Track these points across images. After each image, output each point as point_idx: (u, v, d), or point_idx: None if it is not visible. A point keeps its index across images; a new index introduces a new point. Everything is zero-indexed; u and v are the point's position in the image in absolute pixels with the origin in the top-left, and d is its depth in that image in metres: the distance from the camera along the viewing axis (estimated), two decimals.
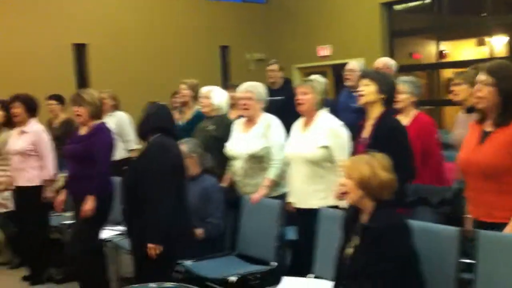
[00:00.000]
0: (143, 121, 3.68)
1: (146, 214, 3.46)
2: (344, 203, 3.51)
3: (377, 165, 2.70)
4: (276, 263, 3.91)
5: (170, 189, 3.48)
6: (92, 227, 4.24)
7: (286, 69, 6.93)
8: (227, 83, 7.79)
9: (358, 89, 3.55)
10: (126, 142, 6.57)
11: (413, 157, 3.45)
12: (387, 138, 3.28)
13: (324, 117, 3.90)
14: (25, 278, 5.23)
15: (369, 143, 3.36)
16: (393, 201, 2.76)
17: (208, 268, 3.90)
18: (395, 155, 2.83)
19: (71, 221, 4.77)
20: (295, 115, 5.77)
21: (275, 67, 6.54)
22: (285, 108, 5.31)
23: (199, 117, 5.75)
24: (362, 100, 3.51)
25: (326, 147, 3.76)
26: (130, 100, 7.16)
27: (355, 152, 3.46)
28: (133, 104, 7.13)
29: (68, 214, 5.20)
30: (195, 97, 5.91)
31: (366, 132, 3.50)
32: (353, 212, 2.85)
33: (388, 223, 2.64)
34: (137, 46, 10.38)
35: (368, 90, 3.46)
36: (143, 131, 3.68)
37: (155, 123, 3.62)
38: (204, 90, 5.08)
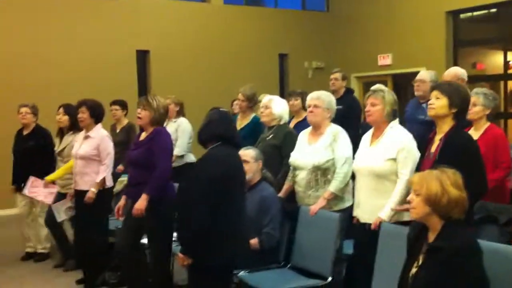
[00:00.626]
0: (204, 127, 3.57)
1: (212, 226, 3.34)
2: (405, 218, 3.38)
3: (447, 182, 2.55)
4: (331, 278, 3.79)
5: (208, 200, 3.29)
6: (157, 233, 4.25)
7: (347, 78, 6.79)
8: (288, 91, 7.72)
9: (428, 101, 3.39)
10: (176, 147, 6.59)
11: (484, 173, 3.26)
12: (455, 154, 3.11)
13: (395, 128, 3.75)
14: (79, 282, 5.28)
15: (436, 159, 3.19)
16: (461, 219, 2.60)
17: (262, 279, 3.83)
18: (464, 171, 2.67)
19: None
20: (354, 126, 5.66)
21: (338, 75, 6.42)
22: (345, 118, 5.19)
23: (255, 123, 5.73)
24: (431, 113, 3.35)
25: (393, 159, 3.62)
26: (190, 107, 7.19)
27: (421, 167, 3.29)
28: (193, 111, 7.19)
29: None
30: (252, 107, 5.89)
31: (434, 147, 3.33)
32: (419, 229, 2.70)
33: (459, 243, 2.47)
34: (198, 54, 10.49)
35: (438, 104, 3.30)
36: (203, 138, 3.55)
37: (216, 130, 3.50)
38: (264, 99, 5.03)
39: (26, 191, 5.70)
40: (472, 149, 3.26)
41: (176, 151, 6.58)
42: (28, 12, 9.00)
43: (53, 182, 5.59)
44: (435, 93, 3.35)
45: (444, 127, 3.32)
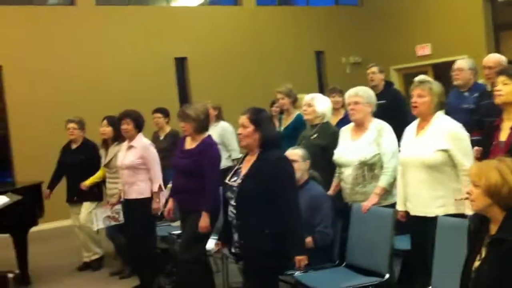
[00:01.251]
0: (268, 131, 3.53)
1: (276, 226, 3.34)
2: (467, 211, 3.31)
3: (506, 171, 2.48)
4: (388, 275, 3.75)
5: (296, 199, 3.41)
6: (200, 239, 4.29)
7: (384, 71, 6.73)
8: (328, 88, 7.71)
9: (495, 88, 3.30)
10: (230, 151, 6.67)
11: None
12: None
13: (442, 119, 3.68)
14: None
15: (510, 148, 3.09)
16: None
17: (319, 279, 3.81)
18: None
19: (179, 232, 4.86)
20: (398, 119, 5.58)
21: (375, 69, 6.36)
22: (388, 112, 5.13)
23: (299, 121, 5.73)
24: (500, 100, 3.26)
25: (445, 150, 3.53)
26: (229, 110, 7.25)
27: (490, 156, 3.20)
28: (233, 114, 7.22)
29: (176, 224, 5.33)
30: (293, 102, 5.91)
31: (505, 135, 3.23)
32: (480, 221, 2.65)
33: None
34: (234, 57, 10.56)
35: (507, 89, 3.21)
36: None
37: (273, 134, 3.55)
38: (307, 98, 5.02)
39: (101, 224, 5.72)
40: None
41: (234, 155, 6.68)
42: (69, 25, 9.26)
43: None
44: (502, 78, 3.24)
45: None
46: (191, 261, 4.27)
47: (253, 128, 3.41)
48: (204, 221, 4.22)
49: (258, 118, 3.44)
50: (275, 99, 7.55)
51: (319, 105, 4.88)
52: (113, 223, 5.60)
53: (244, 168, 3.49)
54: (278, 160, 3.41)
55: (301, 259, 3.39)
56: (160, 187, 5.17)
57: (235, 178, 3.49)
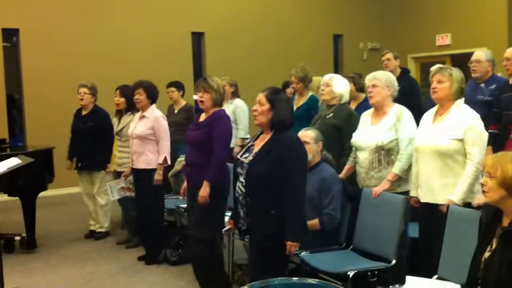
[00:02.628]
0: (279, 111, 3.43)
1: (282, 208, 3.28)
2: (478, 201, 3.29)
3: None
4: (395, 261, 3.74)
5: (303, 184, 3.35)
6: (212, 215, 4.22)
7: (401, 59, 6.65)
8: (341, 75, 7.67)
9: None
10: (238, 130, 6.65)
11: None
12: None
13: (461, 108, 3.64)
14: (140, 258, 5.43)
15: None
16: None
17: (324, 261, 3.80)
18: None
19: (187, 205, 4.86)
20: (414, 106, 5.54)
21: (390, 55, 6.33)
22: (404, 99, 5.09)
23: (312, 102, 5.71)
24: None
25: (460, 140, 3.51)
26: (244, 89, 7.22)
27: (505, 149, 3.16)
28: (248, 92, 7.19)
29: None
30: (307, 83, 5.89)
31: None
32: (492, 213, 2.62)
33: None
34: (251, 35, 10.48)
35: None
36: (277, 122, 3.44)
37: (288, 115, 3.44)
38: (325, 78, 4.98)
39: (116, 195, 5.72)
40: None
41: (241, 134, 6.67)
42: None
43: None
44: None
45: None
46: (209, 241, 4.18)
47: (269, 107, 3.37)
48: (203, 190, 4.11)
49: (276, 98, 3.39)
50: (288, 81, 7.54)
51: (337, 85, 4.84)
52: (128, 193, 5.62)
53: (257, 146, 3.46)
54: (291, 142, 3.36)
55: (293, 245, 3.26)
56: (165, 160, 5.17)
57: (247, 155, 3.46)
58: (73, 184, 7.30)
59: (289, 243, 3.26)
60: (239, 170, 3.46)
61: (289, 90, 7.25)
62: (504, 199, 2.52)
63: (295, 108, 5.89)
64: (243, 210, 3.44)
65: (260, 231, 3.36)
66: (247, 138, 6.56)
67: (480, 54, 5.38)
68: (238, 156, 3.54)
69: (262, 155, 3.34)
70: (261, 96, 3.41)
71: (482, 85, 5.30)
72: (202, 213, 4.19)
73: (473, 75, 5.39)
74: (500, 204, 2.56)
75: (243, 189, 3.39)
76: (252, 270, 3.51)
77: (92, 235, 6.30)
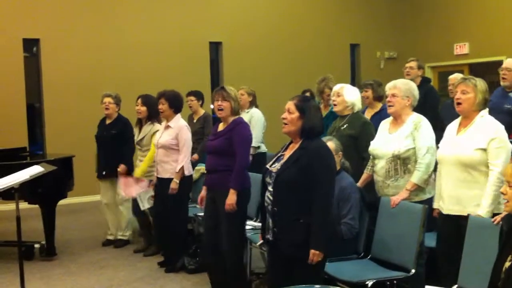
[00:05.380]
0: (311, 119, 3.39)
1: (309, 217, 3.23)
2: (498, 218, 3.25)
3: None
4: (414, 270, 3.72)
5: (331, 194, 3.31)
6: (234, 222, 4.26)
7: (423, 68, 6.61)
8: (359, 83, 7.66)
9: None
10: None
11: None
12: None
13: (485, 119, 3.62)
14: (160, 265, 5.46)
15: None
16: None
17: (343, 270, 3.80)
18: None
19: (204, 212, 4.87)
20: (432, 116, 5.52)
21: (413, 64, 6.22)
22: (422, 108, 5.07)
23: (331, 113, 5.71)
24: None
25: (484, 149, 3.50)
26: (262, 98, 7.24)
27: None
28: (265, 102, 7.23)
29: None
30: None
31: None
32: None
33: None
34: (269, 45, 10.53)
35: None
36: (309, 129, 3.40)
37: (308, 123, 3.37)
38: (336, 87, 4.96)
39: (122, 193, 5.87)
40: None
41: (252, 142, 6.67)
42: (107, 2, 9.32)
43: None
44: None
45: None
46: (238, 251, 4.27)
47: (298, 115, 3.32)
48: (230, 198, 4.17)
49: (306, 105, 3.34)
50: (306, 89, 7.55)
51: (348, 94, 4.81)
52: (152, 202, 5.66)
53: (286, 155, 3.45)
54: (320, 150, 3.32)
55: (315, 254, 3.18)
56: (182, 169, 5.18)
57: (276, 164, 3.45)
58: (92, 192, 7.38)
59: (312, 251, 3.19)
60: (267, 179, 3.42)
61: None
62: None
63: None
64: (272, 219, 3.38)
65: (288, 239, 3.29)
66: (258, 147, 6.58)
67: (511, 62, 5.29)
68: (267, 166, 3.52)
69: (291, 163, 3.31)
70: (290, 104, 3.36)
71: (511, 94, 5.23)
72: (230, 224, 4.22)
73: (502, 83, 5.30)
74: None
75: (271, 198, 3.35)
76: (276, 279, 3.44)
77: (110, 243, 6.35)
